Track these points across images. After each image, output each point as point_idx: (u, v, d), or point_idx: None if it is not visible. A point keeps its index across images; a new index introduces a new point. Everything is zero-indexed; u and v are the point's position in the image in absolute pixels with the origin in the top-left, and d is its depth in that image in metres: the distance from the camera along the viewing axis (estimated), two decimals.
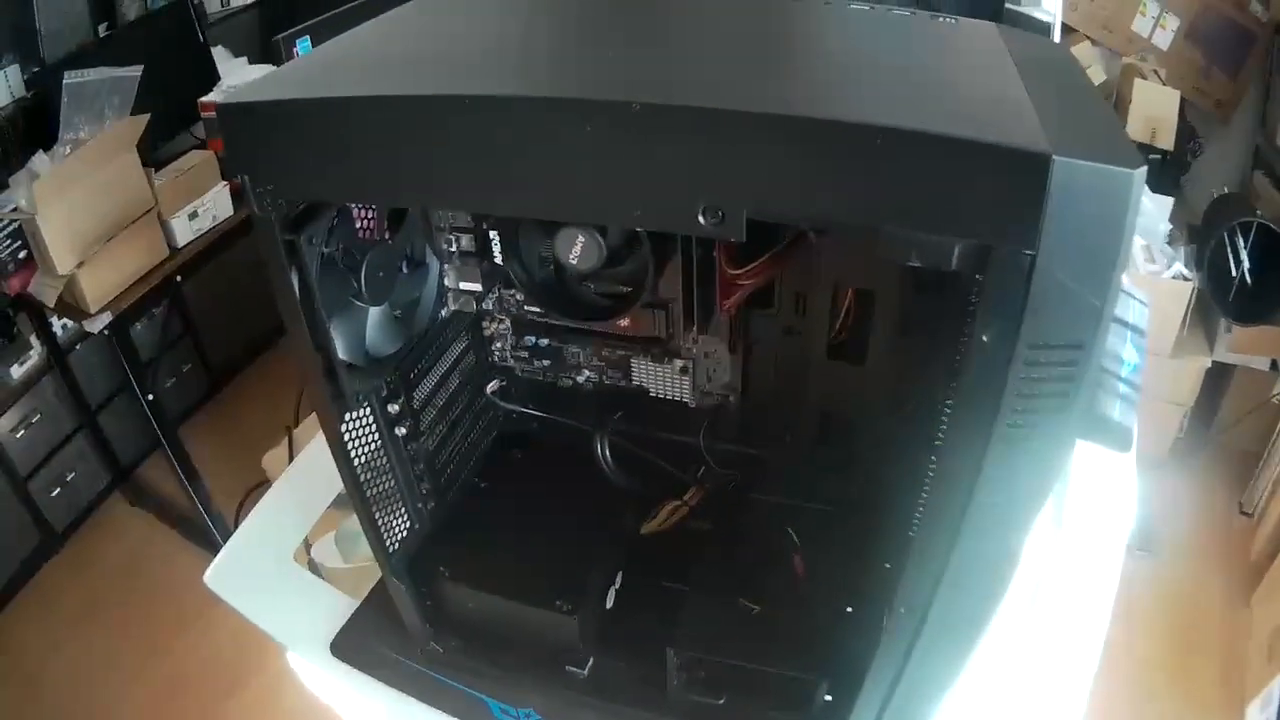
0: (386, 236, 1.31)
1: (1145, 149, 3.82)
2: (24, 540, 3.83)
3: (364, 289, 1.22)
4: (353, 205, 1.21)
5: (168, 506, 4.11)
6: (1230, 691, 3.24)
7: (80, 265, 3.16)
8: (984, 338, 0.81)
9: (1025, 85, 0.88)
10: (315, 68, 1.12)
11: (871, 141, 0.77)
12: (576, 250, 1.23)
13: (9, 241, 3.15)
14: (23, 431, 3.66)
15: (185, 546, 3.93)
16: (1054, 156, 0.72)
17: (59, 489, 3.90)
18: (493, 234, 1.38)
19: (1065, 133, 0.76)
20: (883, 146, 0.77)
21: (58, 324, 3.68)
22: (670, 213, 0.87)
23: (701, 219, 0.85)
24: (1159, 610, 3.50)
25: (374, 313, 1.29)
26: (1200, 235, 3.76)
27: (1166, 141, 3.86)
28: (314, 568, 1.86)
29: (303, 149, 0.98)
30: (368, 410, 1.32)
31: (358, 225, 1.24)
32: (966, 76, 0.98)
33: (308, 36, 3.70)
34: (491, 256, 1.41)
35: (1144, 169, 0.75)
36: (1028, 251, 0.76)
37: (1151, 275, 3.54)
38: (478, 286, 1.46)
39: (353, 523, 1.71)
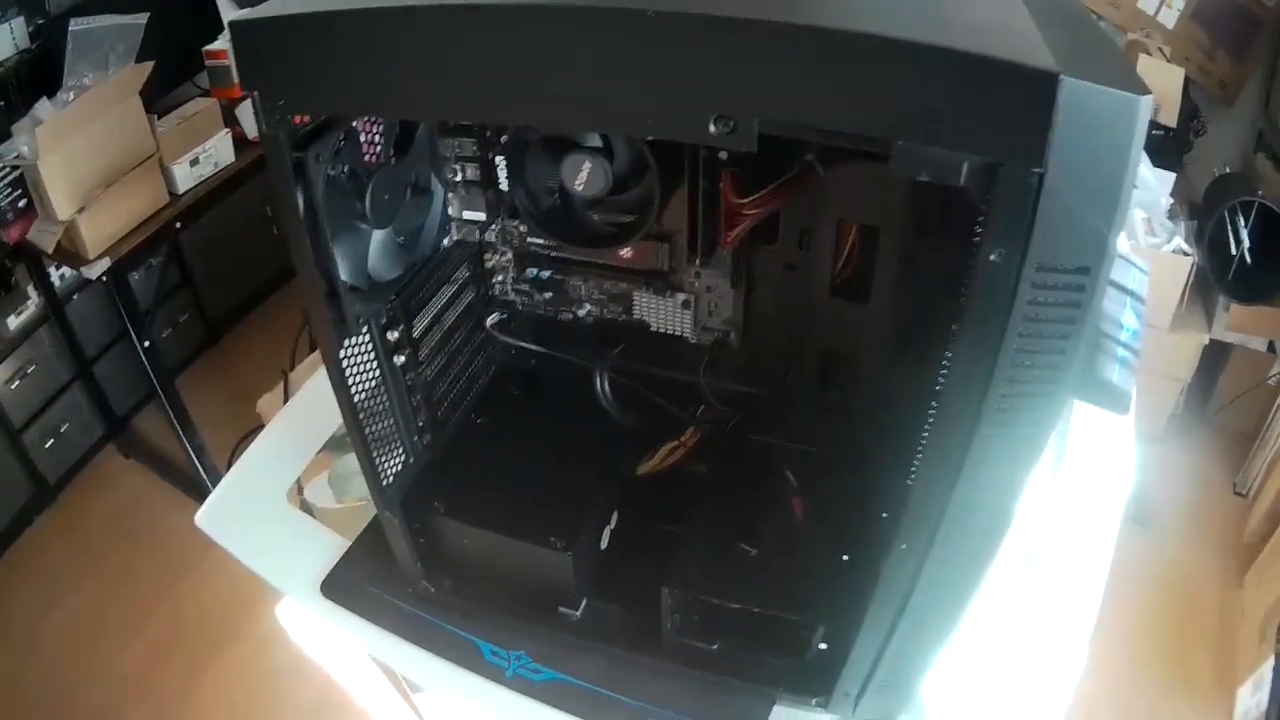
0: (392, 161, 1.30)
1: (1148, 124, 3.83)
2: (16, 493, 3.85)
3: (368, 211, 1.22)
4: (359, 128, 1.21)
5: (162, 458, 4.13)
6: (1221, 672, 3.25)
7: (80, 211, 3.16)
8: (991, 257, 0.81)
9: (1032, 15, 0.89)
10: None
11: (885, 54, 0.78)
12: (583, 176, 1.23)
13: (9, 190, 3.15)
14: (18, 383, 3.66)
15: (179, 498, 3.95)
16: (1062, 76, 0.72)
17: (52, 440, 3.91)
18: (499, 160, 1.38)
19: (1073, 58, 0.76)
20: (896, 60, 0.78)
21: (55, 274, 3.69)
22: (682, 121, 0.87)
23: (713, 128, 0.85)
24: (1152, 589, 3.51)
25: (377, 236, 1.29)
26: (1201, 213, 3.76)
27: (1169, 118, 3.86)
28: (307, 508, 1.85)
29: (311, 62, 0.98)
30: (367, 336, 1.32)
31: (364, 149, 1.24)
32: (977, 6, 0.98)
33: None
34: (496, 185, 1.42)
35: (1150, 97, 0.75)
36: (1035, 169, 0.76)
37: (1152, 248, 3.54)
38: (482, 216, 1.47)
39: (347, 463, 1.71)
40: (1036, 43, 0.80)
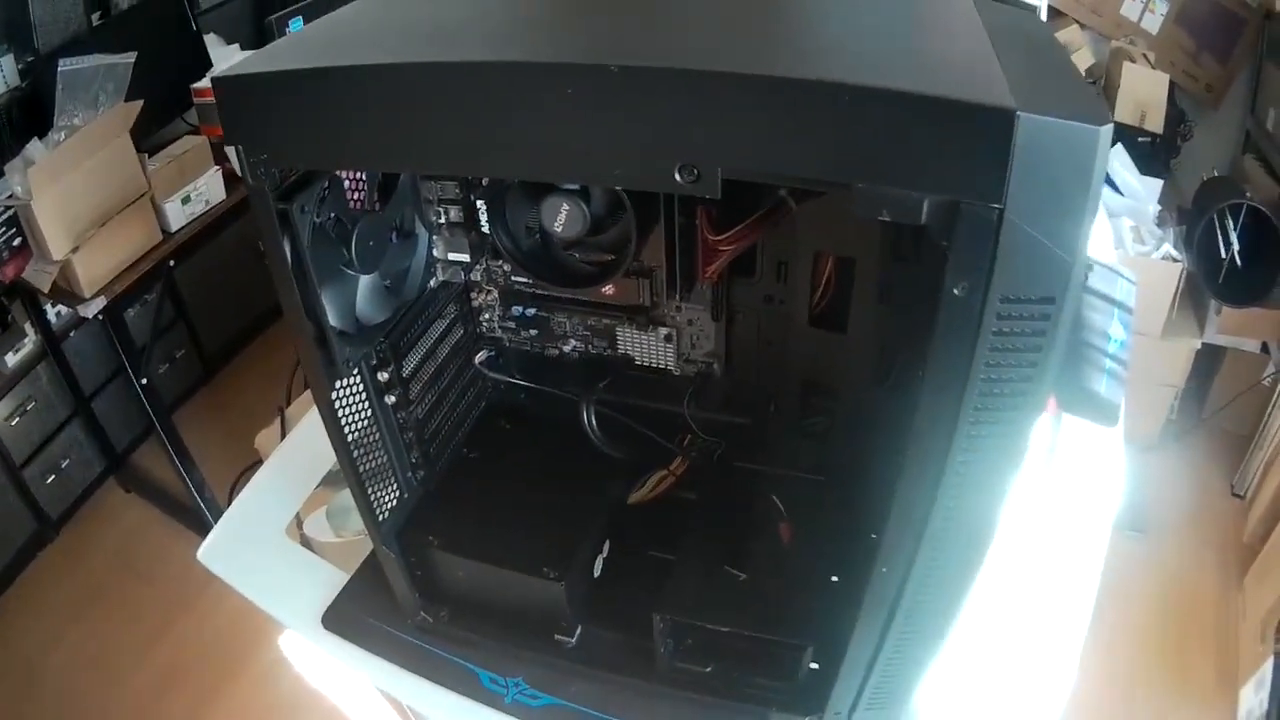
0: (376, 207, 1.33)
1: (1134, 132, 3.84)
2: (19, 528, 3.86)
3: (354, 258, 1.24)
4: (343, 176, 1.23)
5: (162, 492, 4.14)
6: (1224, 672, 3.25)
7: (75, 250, 3.18)
8: (955, 290, 0.83)
9: (995, 48, 0.90)
10: (305, 42, 1.14)
11: (840, 99, 0.79)
12: (561, 218, 1.25)
13: (3, 230, 3.17)
14: (17, 419, 3.68)
15: (179, 532, 3.96)
16: (1019, 112, 0.73)
17: (53, 476, 3.92)
18: (480, 204, 1.40)
19: (1032, 91, 0.78)
20: (851, 104, 0.79)
21: (52, 311, 3.70)
22: (648, 171, 0.89)
23: (678, 177, 0.87)
24: (1152, 592, 3.52)
25: (364, 281, 1.30)
26: (1190, 217, 3.77)
27: (1155, 124, 3.87)
28: (306, 543, 1.87)
29: (293, 118, 1.00)
30: (358, 378, 1.34)
31: (349, 196, 1.26)
32: (937, 39, 1.00)
33: (300, 17, 3.77)
34: (479, 227, 1.43)
35: (1110, 126, 0.77)
36: (995, 205, 0.78)
37: (1140, 256, 3.55)
38: (466, 257, 1.48)
39: (344, 498, 1.73)
40: (995, 76, 0.82)
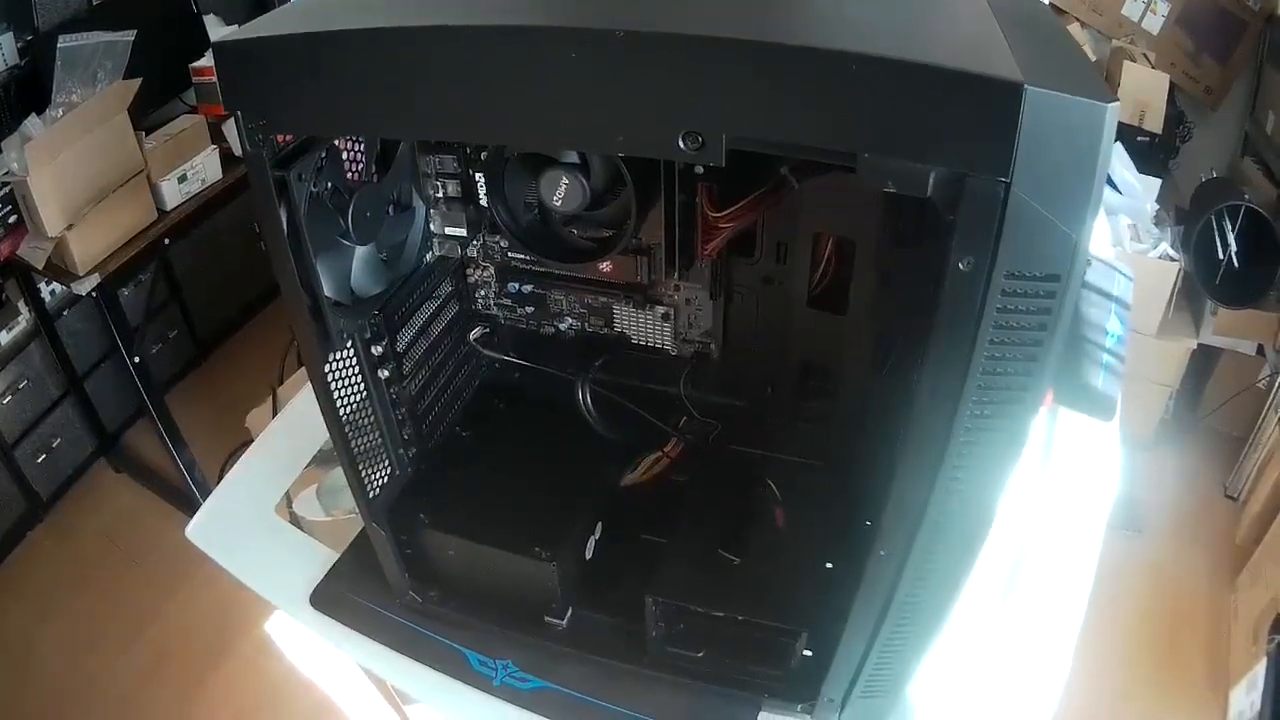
0: (374, 178, 1.32)
1: (1133, 131, 3.84)
2: (9, 508, 3.84)
3: (351, 228, 1.23)
4: (341, 146, 1.22)
5: (152, 473, 4.13)
6: (1215, 673, 3.25)
7: (70, 227, 3.17)
8: (960, 265, 0.82)
9: (1002, 28, 0.89)
10: (305, 8, 1.13)
11: (848, 68, 0.78)
12: (560, 192, 1.24)
13: None
14: (9, 398, 3.67)
15: (170, 513, 3.95)
16: (1027, 86, 0.73)
17: (44, 455, 3.91)
18: (478, 177, 1.39)
19: (1039, 68, 0.77)
20: (859, 74, 0.78)
21: (46, 290, 3.70)
22: (652, 138, 0.89)
23: (682, 144, 0.86)
24: (1144, 592, 3.51)
25: (360, 253, 1.30)
26: (1188, 218, 3.77)
27: (1155, 124, 3.87)
28: (296, 521, 1.86)
29: (292, 83, 1.00)
30: (351, 351, 1.33)
31: (346, 166, 1.25)
32: (943, 16, 0.99)
33: None
34: (477, 201, 1.42)
35: (1116, 104, 0.76)
36: (1001, 179, 0.77)
37: (1138, 254, 3.55)
38: (463, 231, 1.47)
39: (336, 477, 1.72)
40: (1003, 53, 0.81)
